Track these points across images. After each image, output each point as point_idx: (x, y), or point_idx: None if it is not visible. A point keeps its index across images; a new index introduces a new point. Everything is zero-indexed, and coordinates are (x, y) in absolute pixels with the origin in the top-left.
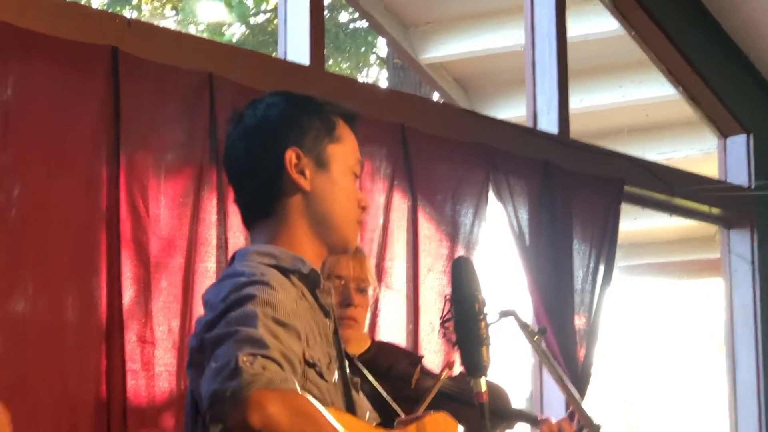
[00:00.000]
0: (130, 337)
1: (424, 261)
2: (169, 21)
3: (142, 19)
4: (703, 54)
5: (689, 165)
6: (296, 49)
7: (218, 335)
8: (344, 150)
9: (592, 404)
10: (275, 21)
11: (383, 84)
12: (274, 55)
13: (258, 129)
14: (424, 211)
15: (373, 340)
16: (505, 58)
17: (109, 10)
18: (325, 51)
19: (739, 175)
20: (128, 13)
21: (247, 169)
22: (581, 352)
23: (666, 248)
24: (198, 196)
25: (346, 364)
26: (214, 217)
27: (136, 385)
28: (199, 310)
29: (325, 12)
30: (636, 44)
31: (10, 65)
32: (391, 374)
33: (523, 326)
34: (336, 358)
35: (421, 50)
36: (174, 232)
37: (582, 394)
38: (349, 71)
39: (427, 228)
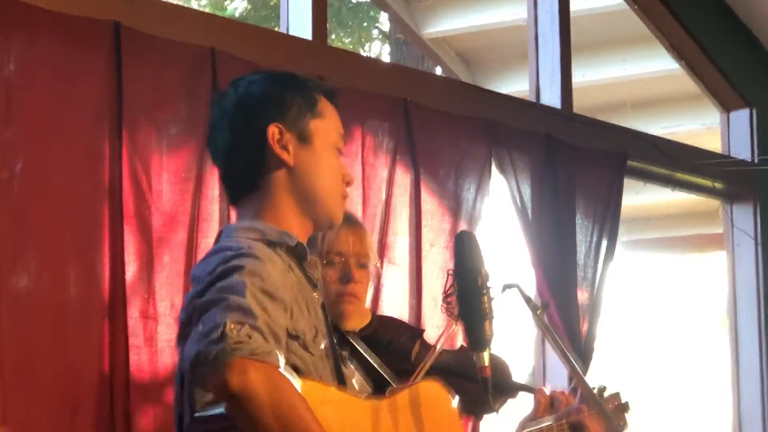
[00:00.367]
0: (133, 313)
1: (426, 236)
2: None
3: None
4: (706, 28)
5: (692, 139)
6: (298, 23)
7: (207, 301)
8: (326, 125)
9: (595, 379)
10: None
11: (386, 59)
12: (276, 29)
13: (240, 106)
14: (426, 185)
15: (374, 315)
16: (508, 33)
17: None
18: (328, 25)
19: (742, 149)
20: None
21: (230, 145)
22: (584, 327)
23: (669, 223)
24: (200, 171)
25: (335, 336)
26: (216, 192)
27: (138, 361)
28: None
29: None
30: (639, 18)
31: (12, 40)
32: (391, 348)
33: (527, 300)
34: (324, 330)
35: (423, 25)
36: (176, 208)
37: (585, 368)
38: (351, 46)
39: (429, 203)
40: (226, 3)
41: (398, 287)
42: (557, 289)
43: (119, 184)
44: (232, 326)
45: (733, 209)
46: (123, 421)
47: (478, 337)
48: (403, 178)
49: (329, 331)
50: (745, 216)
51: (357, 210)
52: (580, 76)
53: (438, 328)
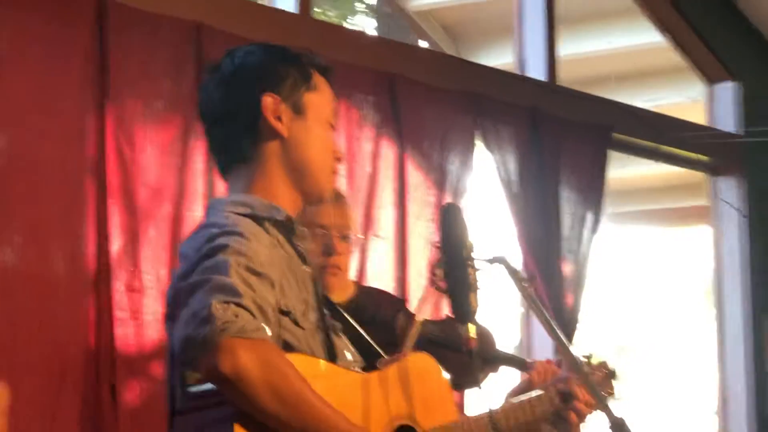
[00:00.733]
0: (118, 286)
1: (411, 209)
2: None
3: None
4: (691, 1)
5: (677, 112)
6: None
7: (191, 283)
8: (320, 99)
9: (579, 350)
10: None
11: (371, 33)
12: (261, 3)
13: (236, 75)
14: (411, 158)
15: (357, 286)
16: (493, 5)
17: None
18: None
19: (727, 122)
20: None
21: (224, 115)
22: (569, 299)
23: (654, 195)
24: (185, 146)
25: (326, 309)
26: (201, 166)
27: (124, 334)
28: None
29: None
30: None
31: None
32: (376, 320)
33: (512, 272)
34: (314, 303)
35: None
36: (161, 181)
37: (570, 339)
38: (336, 19)
39: (414, 176)
40: None
41: (384, 260)
42: (542, 261)
43: (104, 159)
44: (218, 306)
45: (718, 182)
46: (109, 394)
47: (464, 309)
48: (389, 152)
49: (320, 304)
50: (730, 188)
51: (342, 183)
52: (565, 49)
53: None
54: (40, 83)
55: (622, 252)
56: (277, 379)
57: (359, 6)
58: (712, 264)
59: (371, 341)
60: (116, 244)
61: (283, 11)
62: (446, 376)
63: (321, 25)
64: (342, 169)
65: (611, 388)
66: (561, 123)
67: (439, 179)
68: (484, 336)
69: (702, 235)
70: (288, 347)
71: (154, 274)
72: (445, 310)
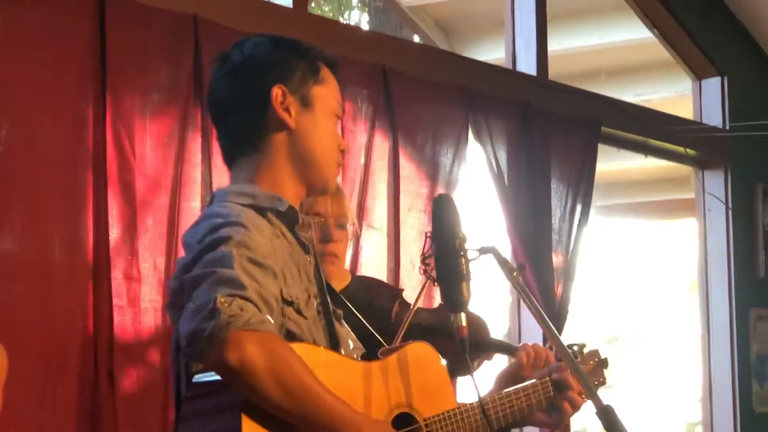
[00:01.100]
0: (117, 274)
1: (404, 200)
2: None
3: None
4: None
5: (665, 106)
6: None
7: (195, 276)
8: (327, 92)
9: (569, 340)
10: None
11: (364, 27)
12: None
13: (245, 66)
14: (404, 151)
15: (353, 275)
16: (485, 1)
17: None
18: None
19: (714, 116)
20: None
21: (232, 104)
22: (558, 290)
23: (641, 188)
24: (183, 137)
25: (329, 297)
26: (198, 157)
27: (122, 321)
28: None
29: None
30: None
31: None
32: (372, 308)
33: (503, 263)
34: (317, 292)
35: None
36: (159, 172)
37: (559, 329)
38: (331, 14)
39: (407, 168)
40: None
41: (377, 250)
42: (532, 252)
43: (103, 149)
44: (223, 300)
45: (704, 175)
46: (107, 381)
47: (455, 299)
48: (382, 144)
49: (323, 293)
50: (716, 182)
51: None
52: (555, 44)
53: (416, 290)
54: (40, 74)
55: (610, 244)
56: (282, 370)
57: (353, 1)
58: (699, 256)
59: (372, 329)
60: (115, 233)
61: (279, 5)
62: (444, 364)
63: (316, 19)
64: None
65: (603, 376)
66: (551, 117)
67: (432, 171)
68: (477, 324)
69: (688, 227)
70: (291, 336)
71: (152, 263)
72: (438, 299)
